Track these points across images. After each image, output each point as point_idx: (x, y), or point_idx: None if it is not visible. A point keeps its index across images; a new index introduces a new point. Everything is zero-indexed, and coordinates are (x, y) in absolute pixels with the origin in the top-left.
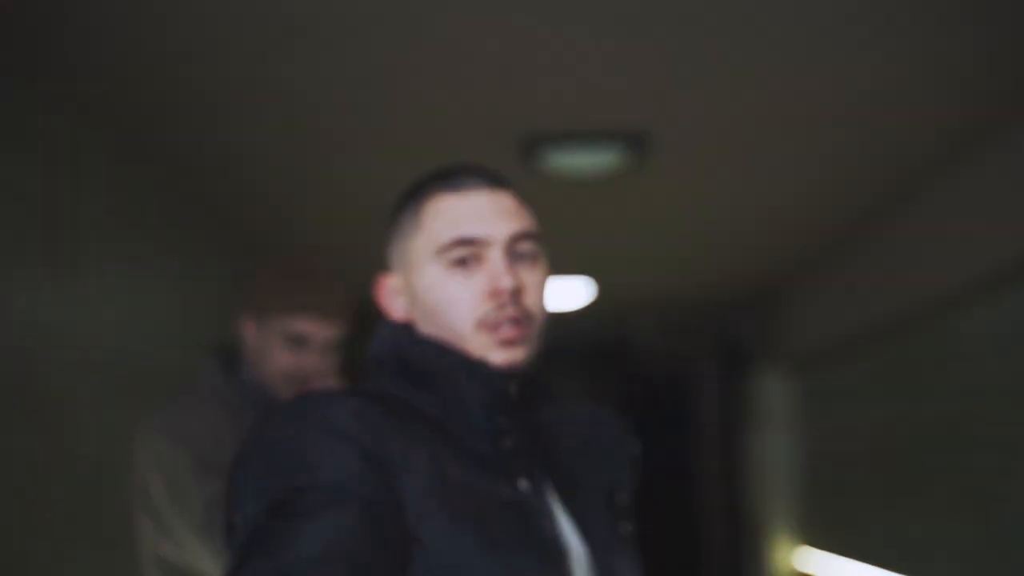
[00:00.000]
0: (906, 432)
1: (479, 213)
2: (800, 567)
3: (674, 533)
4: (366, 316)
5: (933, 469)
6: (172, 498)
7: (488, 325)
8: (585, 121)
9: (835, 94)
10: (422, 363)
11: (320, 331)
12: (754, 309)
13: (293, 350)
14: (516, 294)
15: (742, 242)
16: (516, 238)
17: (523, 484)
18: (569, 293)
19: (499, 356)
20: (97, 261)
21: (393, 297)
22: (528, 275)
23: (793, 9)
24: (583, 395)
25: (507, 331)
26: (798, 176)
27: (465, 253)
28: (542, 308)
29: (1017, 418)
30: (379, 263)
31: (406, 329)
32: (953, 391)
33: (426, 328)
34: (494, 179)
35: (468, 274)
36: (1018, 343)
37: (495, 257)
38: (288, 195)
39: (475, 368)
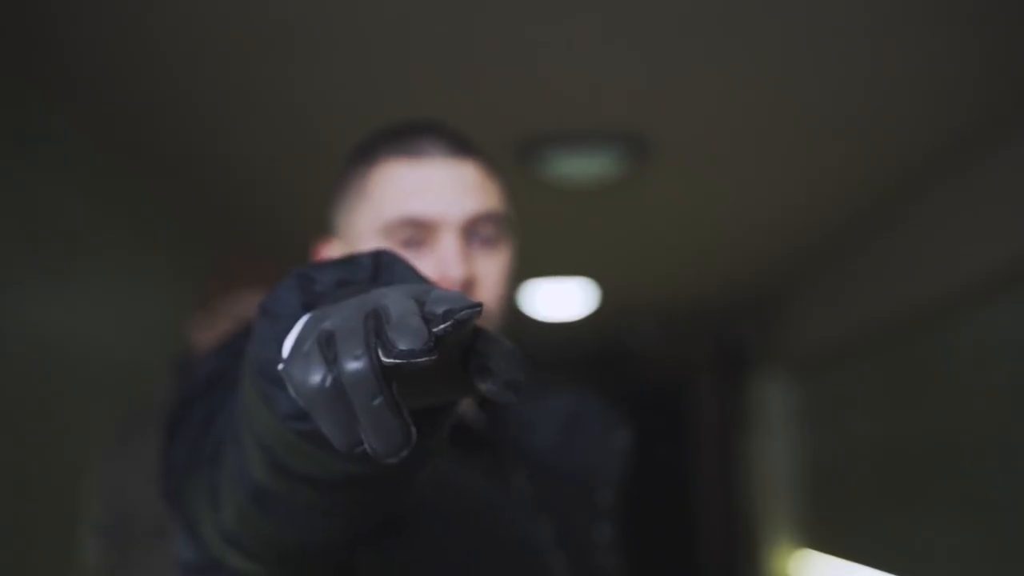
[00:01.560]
0: (906, 435)
1: (434, 187)
2: (800, 571)
3: (673, 537)
4: None
5: (934, 472)
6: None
7: None
8: (585, 124)
9: (834, 98)
10: None
11: (252, 307)
12: (754, 313)
13: None
14: (467, 285)
15: (742, 246)
16: (474, 220)
17: (489, 485)
18: (569, 297)
19: None
20: (95, 262)
21: None
22: (485, 262)
23: (793, 13)
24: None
25: None
26: (798, 179)
27: (414, 234)
28: (498, 299)
29: (1017, 419)
30: None
31: None
32: (954, 393)
33: None
34: (457, 145)
35: (416, 256)
36: (1018, 344)
37: (447, 241)
38: (288, 195)
39: None
